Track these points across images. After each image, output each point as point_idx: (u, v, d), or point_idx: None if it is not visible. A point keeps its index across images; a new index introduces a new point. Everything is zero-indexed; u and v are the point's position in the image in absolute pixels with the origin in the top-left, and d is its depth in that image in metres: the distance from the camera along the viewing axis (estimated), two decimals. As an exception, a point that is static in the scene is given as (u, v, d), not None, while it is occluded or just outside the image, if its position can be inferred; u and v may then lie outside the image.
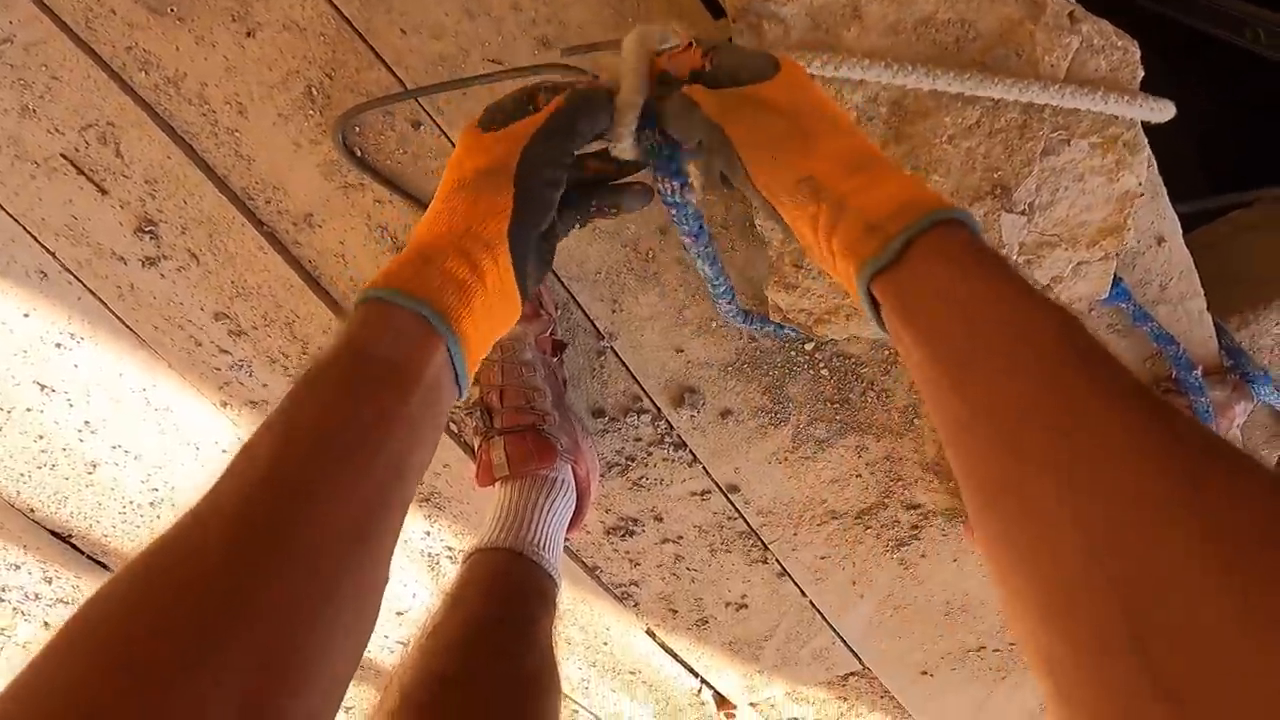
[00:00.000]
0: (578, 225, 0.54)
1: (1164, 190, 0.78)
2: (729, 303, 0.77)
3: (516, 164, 0.47)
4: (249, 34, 0.73)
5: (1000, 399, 0.34)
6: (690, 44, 0.52)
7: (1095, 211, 0.64)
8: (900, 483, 0.99)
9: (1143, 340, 0.86)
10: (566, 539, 0.87)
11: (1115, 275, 0.75)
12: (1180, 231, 0.81)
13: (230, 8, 0.72)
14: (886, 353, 0.88)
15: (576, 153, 0.50)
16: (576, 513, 0.89)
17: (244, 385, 0.94)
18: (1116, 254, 0.68)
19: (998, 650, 1.24)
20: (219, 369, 0.93)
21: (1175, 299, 0.84)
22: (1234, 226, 1.02)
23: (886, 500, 1.01)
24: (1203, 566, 0.25)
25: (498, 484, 0.83)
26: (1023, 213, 0.63)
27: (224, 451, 1.01)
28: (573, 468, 0.87)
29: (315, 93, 0.76)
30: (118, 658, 0.29)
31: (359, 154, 0.79)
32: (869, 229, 0.41)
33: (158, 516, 1.11)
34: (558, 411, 0.84)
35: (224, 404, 0.96)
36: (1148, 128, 0.67)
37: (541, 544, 0.80)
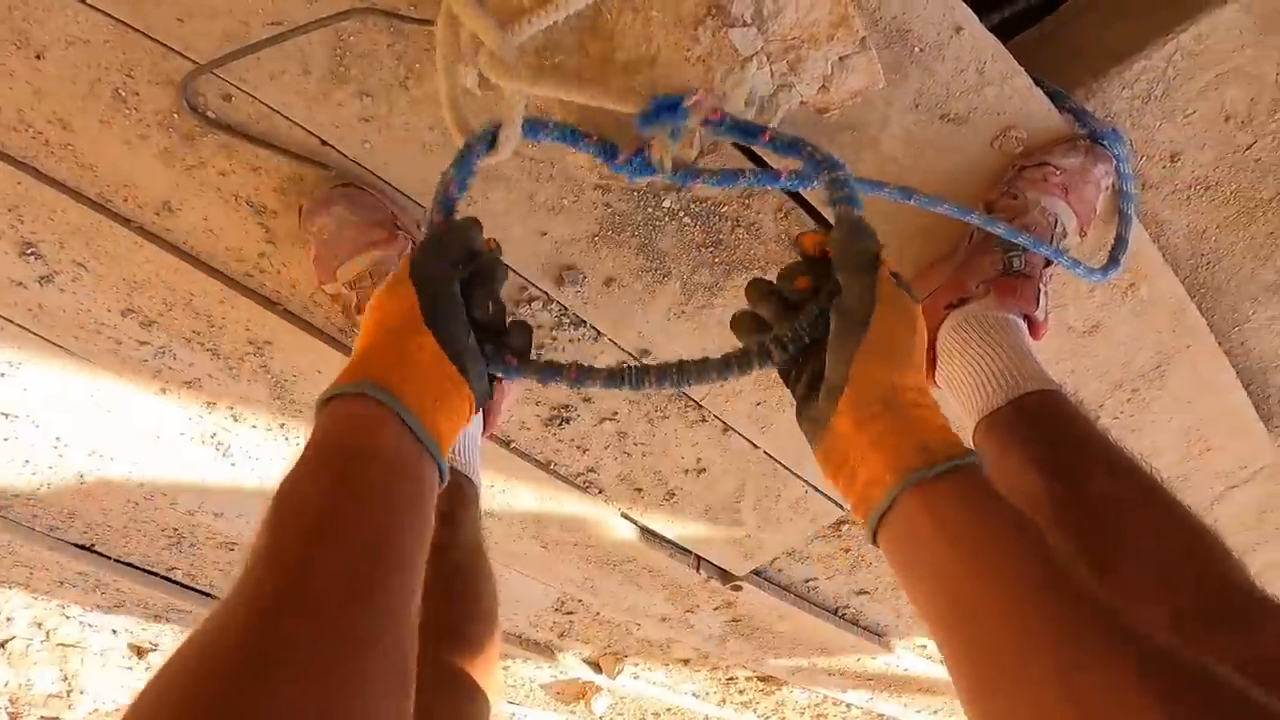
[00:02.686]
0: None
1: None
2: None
3: (409, 272, 0.54)
4: (38, 56, 0.77)
5: (1010, 588, 0.41)
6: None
7: (819, 9, 0.66)
8: (806, 311, 1.00)
9: (989, 120, 0.85)
10: (485, 439, 0.91)
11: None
12: (976, 19, 0.80)
13: (10, 38, 0.76)
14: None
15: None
16: (488, 414, 0.93)
17: (173, 369, 1.01)
18: (863, 42, 0.69)
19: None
20: (146, 360, 1.00)
21: (998, 79, 0.84)
22: (1076, 9, 1.02)
23: (799, 332, 1.01)
24: None
25: None
26: (748, 24, 0.64)
27: (182, 434, 1.09)
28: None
29: (123, 93, 0.80)
30: None
31: (212, 117, 0.83)
32: (923, 447, 0.48)
33: (155, 508, 1.20)
34: None
35: (163, 390, 1.03)
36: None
37: (462, 458, 0.85)
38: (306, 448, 0.46)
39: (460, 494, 0.82)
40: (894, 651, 1.66)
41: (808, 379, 0.55)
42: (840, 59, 0.71)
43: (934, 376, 0.92)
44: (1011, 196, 0.88)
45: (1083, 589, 0.40)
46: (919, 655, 1.71)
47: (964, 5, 0.79)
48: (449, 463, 0.82)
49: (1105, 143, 0.84)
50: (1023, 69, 0.83)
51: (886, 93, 0.82)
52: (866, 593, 1.50)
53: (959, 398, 0.83)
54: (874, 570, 1.44)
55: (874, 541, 0.49)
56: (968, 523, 0.45)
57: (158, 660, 1.49)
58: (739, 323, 0.61)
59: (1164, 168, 0.96)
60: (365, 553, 0.42)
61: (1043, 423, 0.76)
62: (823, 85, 0.72)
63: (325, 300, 0.95)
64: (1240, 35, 0.85)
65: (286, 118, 0.82)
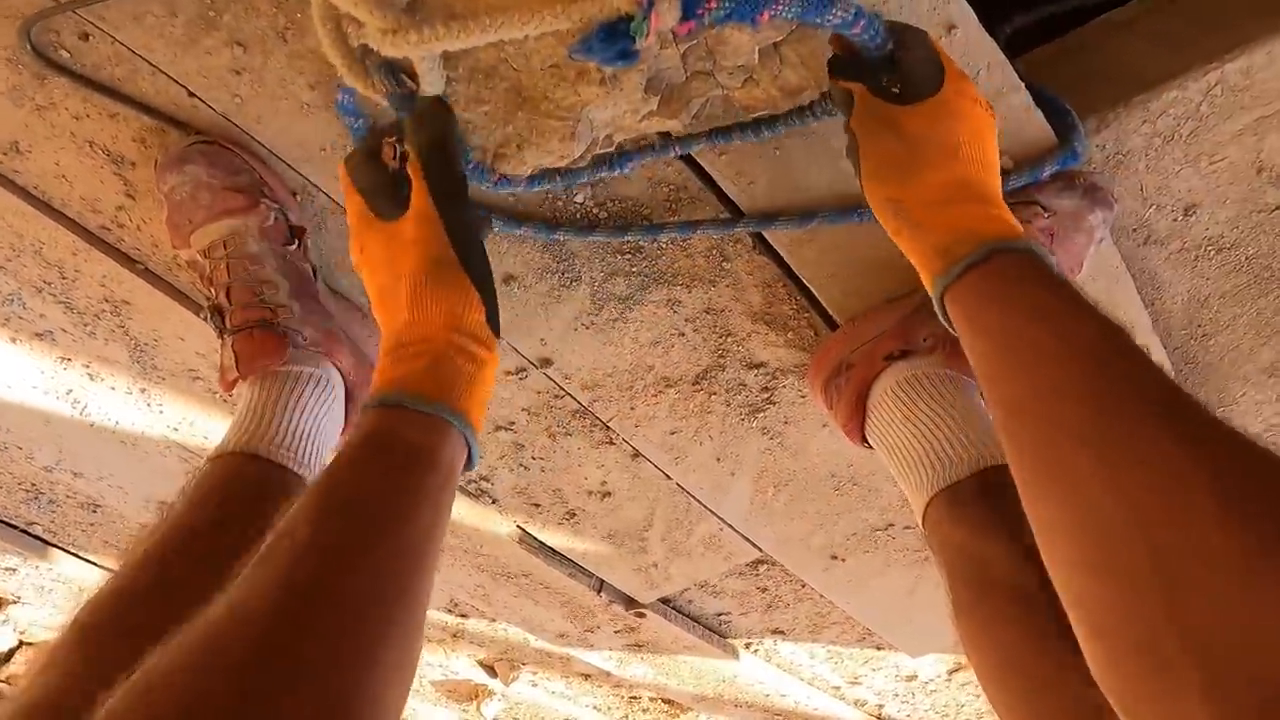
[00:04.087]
0: None
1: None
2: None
3: (454, 251, 0.55)
4: None
5: (1046, 383, 0.41)
6: (883, 41, 0.55)
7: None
8: (731, 338, 0.89)
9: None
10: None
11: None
12: (975, 18, 0.67)
13: None
14: (666, 190, 0.78)
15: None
16: (352, 407, 0.83)
17: (23, 319, 0.90)
18: (802, 37, 0.59)
19: (908, 527, 1.14)
20: (-8, 305, 0.89)
21: (990, 93, 0.71)
22: (1107, 26, 0.87)
23: (723, 360, 0.91)
24: (1217, 534, 0.32)
25: (240, 387, 0.77)
26: None
27: (35, 388, 0.98)
28: (333, 361, 0.80)
29: None
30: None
31: (56, 63, 0.72)
32: (940, 251, 0.52)
33: (11, 460, 1.10)
34: (298, 303, 0.77)
35: (13, 340, 0.93)
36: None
37: (288, 443, 0.74)
38: (364, 440, 0.48)
39: (290, 498, 0.71)
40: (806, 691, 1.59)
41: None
42: (774, 45, 0.60)
43: (861, 435, 0.82)
44: None
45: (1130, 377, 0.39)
46: (832, 696, 1.63)
47: (963, 0, 0.66)
48: (291, 465, 0.73)
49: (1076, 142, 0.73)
50: (1023, 84, 0.71)
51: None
52: (782, 632, 1.42)
53: (902, 466, 0.73)
54: (791, 612, 1.35)
55: (943, 314, 0.53)
56: (998, 321, 0.47)
57: (17, 613, 1.39)
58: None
59: (1175, 220, 0.83)
60: (410, 554, 0.43)
61: (1018, 502, 0.66)
62: (749, 77, 0.61)
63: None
64: (1301, 72, 0.71)
65: (149, 62, 0.71)
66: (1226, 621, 0.30)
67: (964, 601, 0.61)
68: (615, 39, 0.46)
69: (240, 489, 0.69)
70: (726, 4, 0.47)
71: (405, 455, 0.47)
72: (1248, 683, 0.29)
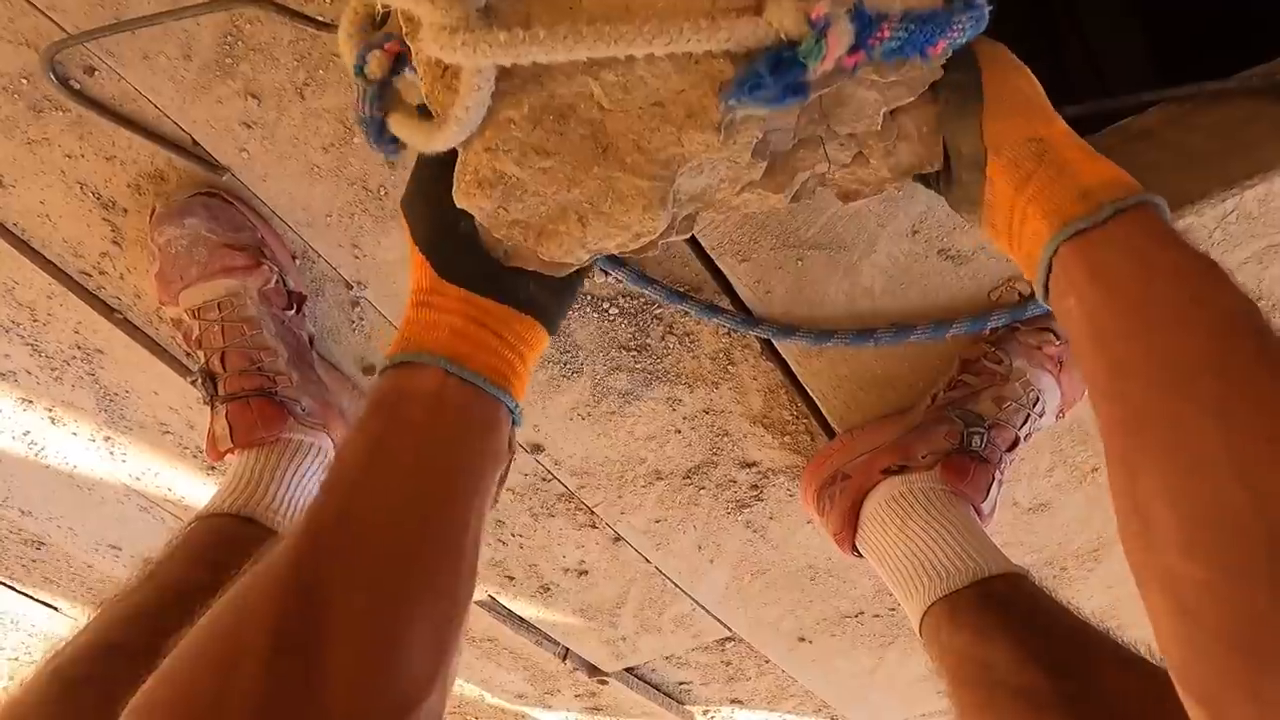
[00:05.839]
0: None
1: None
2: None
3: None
4: None
5: (1175, 348, 0.38)
6: None
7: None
8: (728, 438, 0.88)
9: (995, 264, 0.73)
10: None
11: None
12: None
13: None
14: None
15: None
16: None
17: (-14, 353, 0.85)
18: (933, 100, 0.51)
19: (878, 615, 1.14)
20: (-46, 335, 0.84)
21: None
22: (1124, 135, 0.86)
23: (716, 458, 0.90)
24: None
25: (231, 456, 0.73)
26: None
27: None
28: (328, 434, 0.77)
29: None
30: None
31: (77, 88, 0.68)
32: (1083, 194, 0.45)
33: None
34: (296, 371, 0.74)
35: (-26, 370, 0.87)
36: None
37: (282, 510, 0.71)
38: (424, 395, 0.47)
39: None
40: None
41: (947, 170, 0.53)
42: (893, 113, 0.51)
43: (852, 544, 0.82)
44: (996, 359, 0.76)
45: (1253, 361, 0.37)
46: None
47: None
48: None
49: None
50: None
51: (881, 211, 0.70)
52: (741, 702, 1.41)
53: (896, 576, 0.72)
54: (753, 685, 1.34)
55: (1045, 299, 0.47)
56: (1132, 276, 0.41)
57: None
58: None
59: None
60: (409, 479, 0.44)
61: (1024, 611, 0.65)
62: (860, 151, 0.53)
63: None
64: (1312, 202, 0.69)
65: (155, 105, 0.68)
66: None
67: (968, 704, 0.60)
68: (782, 70, 0.38)
69: (235, 549, 0.66)
70: (901, 32, 0.40)
71: (384, 402, 0.48)
72: None
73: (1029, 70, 0.51)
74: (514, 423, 0.50)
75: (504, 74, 0.42)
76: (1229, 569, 0.32)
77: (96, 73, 0.67)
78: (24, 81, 0.67)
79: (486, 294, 0.49)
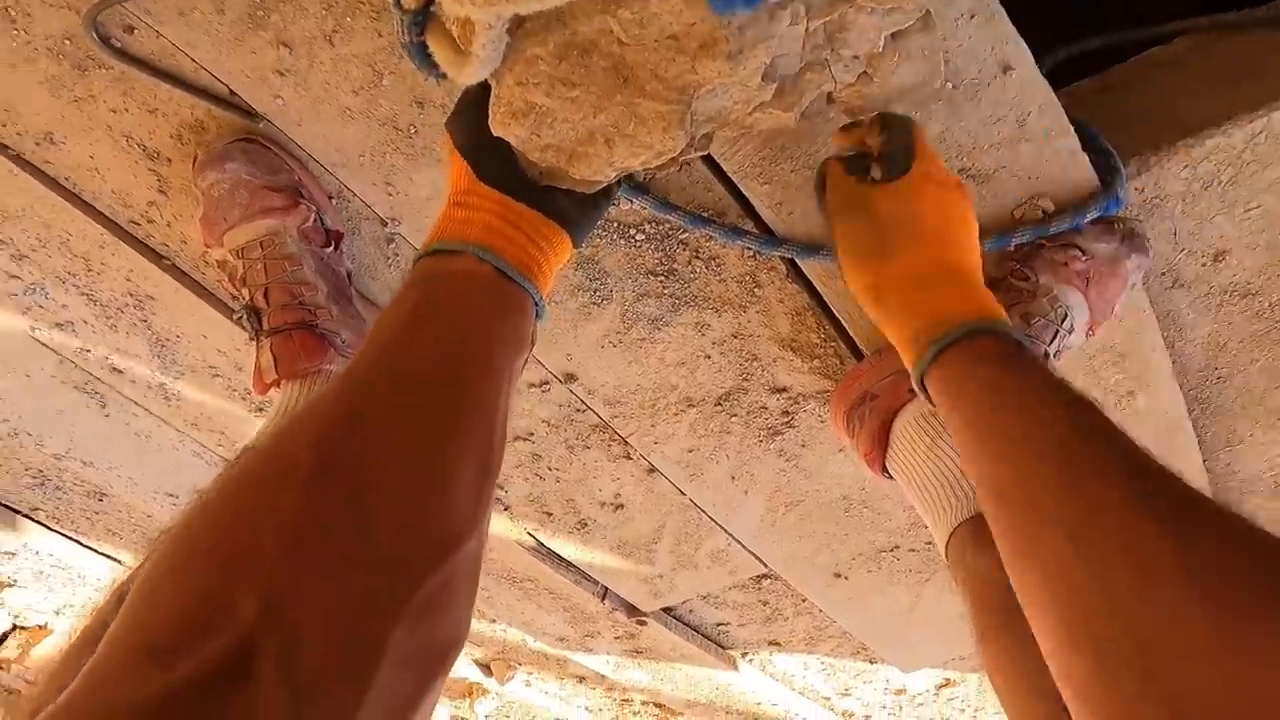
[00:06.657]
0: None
1: (1001, 12, 0.64)
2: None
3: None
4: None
5: (1019, 470, 0.43)
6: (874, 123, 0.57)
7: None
8: (757, 363, 0.90)
9: (1017, 182, 0.74)
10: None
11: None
12: (1032, 60, 0.67)
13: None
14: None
15: None
16: None
17: (44, 309, 0.90)
18: (926, 19, 0.54)
19: (914, 550, 1.15)
20: (14, 294, 0.88)
21: (1039, 137, 0.71)
22: (1150, 64, 0.86)
23: (746, 383, 0.92)
24: (1187, 608, 0.33)
25: (276, 389, 0.77)
26: None
27: (53, 377, 0.97)
28: (369, 365, 0.80)
29: (13, 12, 0.68)
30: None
31: (118, 46, 0.71)
32: (912, 339, 0.53)
33: (20, 445, 1.09)
34: (336, 305, 0.77)
35: (33, 329, 0.92)
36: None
37: None
38: (468, 275, 0.50)
39: None
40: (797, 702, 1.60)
41: None
42: (891, 35, 0.55)
43: (882, 465, 0.83)
44: (1022, 277, 0.76)
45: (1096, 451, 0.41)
46: (821, 707, 1.65)
47: (1020, 41, 0.65)
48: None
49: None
50: (1072, 128, 0.70)
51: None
52: (779, 644, 1.43)
53: (924, 497, 0.73)
54: (790, 625, 1.36)
55: (926, 399, 0.54)
56: (982, 405, 0.48)
57: (12, 597, 1.38)
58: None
59: (1204, 265, 0.83)
60: (447, 343, 0.46)
61: None
62: (864, 72, 0.57)
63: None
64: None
65: (192, 59, 0.71)
66: (1198, 692, 0.31)
67: (989, 628, 0.62)
68: None
69: None
70: None
71: (420, 279, 0.50)
72: None
73: (878, 204, 0.57)
74: (537, 315, 0.53)
75: (528, 16, 0.46)
76: (1101, 660, 0.35)
77: (136, 31, 0.70)
78: (68, 43, 0.71)
79: (520, 199, 0.52)
